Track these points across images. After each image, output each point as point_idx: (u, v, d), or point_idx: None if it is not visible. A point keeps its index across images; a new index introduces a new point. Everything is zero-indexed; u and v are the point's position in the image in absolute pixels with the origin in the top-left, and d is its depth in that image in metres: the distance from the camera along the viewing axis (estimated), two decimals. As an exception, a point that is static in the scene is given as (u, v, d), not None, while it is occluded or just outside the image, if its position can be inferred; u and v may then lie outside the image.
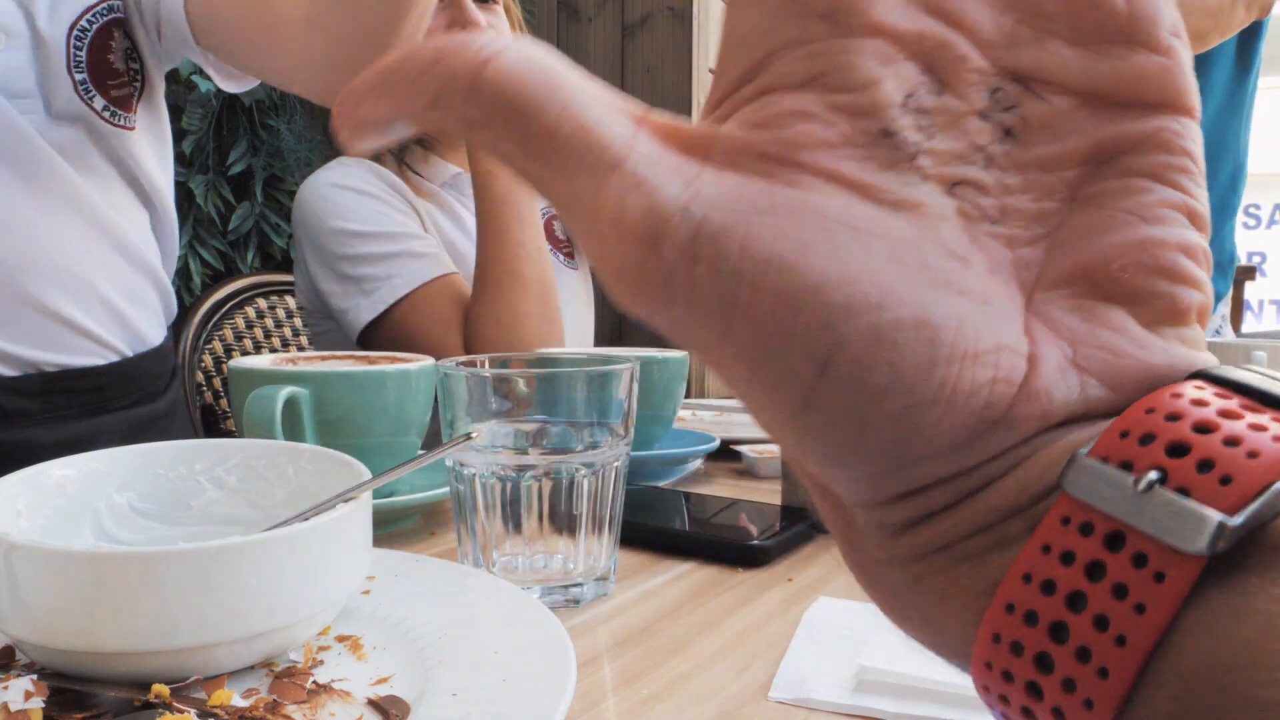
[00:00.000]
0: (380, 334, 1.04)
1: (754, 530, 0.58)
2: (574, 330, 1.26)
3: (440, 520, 0.65)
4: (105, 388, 0.81)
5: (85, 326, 0.79)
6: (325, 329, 1.12)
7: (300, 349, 1.47)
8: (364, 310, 1.03)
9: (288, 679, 0.35)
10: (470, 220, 1.18)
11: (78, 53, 0.78)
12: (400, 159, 1.15)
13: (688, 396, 1.23)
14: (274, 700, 0.33)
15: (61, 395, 0.78)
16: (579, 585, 0.47)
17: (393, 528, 0.62)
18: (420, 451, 0.66)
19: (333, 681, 0.35)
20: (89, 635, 0.32)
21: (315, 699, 0.34)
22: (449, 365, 0.47)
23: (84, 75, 0.78)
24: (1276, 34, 2.21)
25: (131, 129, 0.83)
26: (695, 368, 2.15)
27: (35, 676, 0.33)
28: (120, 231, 0.82)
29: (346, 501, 0.38)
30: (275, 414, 0.55)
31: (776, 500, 0.66)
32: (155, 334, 0.88)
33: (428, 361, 0.64)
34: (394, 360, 0.65)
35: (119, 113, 0.82)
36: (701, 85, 2.14)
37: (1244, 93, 1.38)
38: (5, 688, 0.33)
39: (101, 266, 0.80)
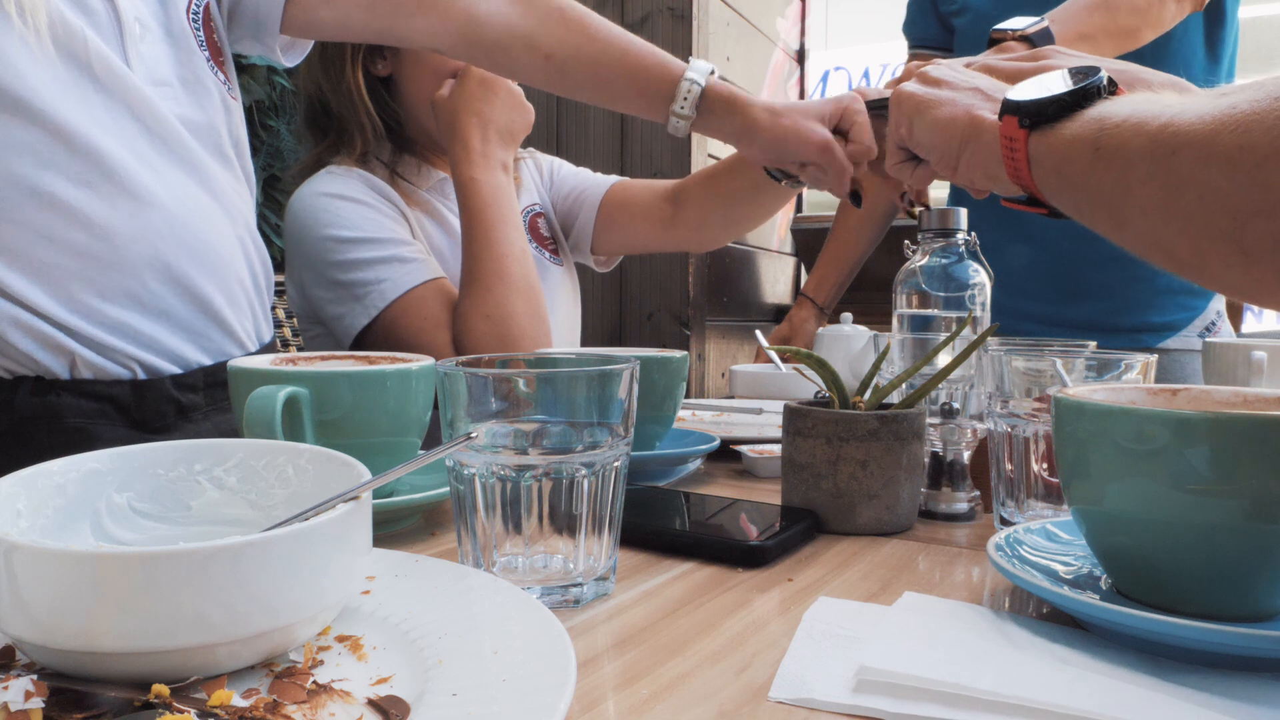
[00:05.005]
0: (371, 338, 1.05)
1: (754, 530, 0.58)
2: (562, 323, 1.26)
3: (440, 520, 0.65)
4: None
5: (226, 318, 0.81)
6: (316, 334, 1.12)
7: (300, 349, 1.46)
8: (358, 315, 1.04)
9: (288, 679, 0.35)
10: (456, 223, 1.18)
11: (198, 33, 0.81)
12: (392, 169, 1.15)
13: (688, 396, 1.23)
14: (274, 700, 0.33)
15: (219, 388, 0.81)
16: (579, 585, 0.47)
17: (393, 528, 0.62)
18: (420, 451, 0.66)
19: (333, 681, 0.35)
20: (89, 635, 0.32)
21: (315, 699, 0.34)
22: (449, 365, 0.47)
23: (207, 53, 0.82)
24: (1268, 31, 2.21)
25: (237, 100, 0.87)
26: (695, 367, 2.15)
27: (35, 676, 0.33)
28: (246, 220, 0.85)
29: (346, 501, 0.38)
30: (275, 414, 0.55)
31: (776, 500, 0.66)
32: (268, 326, 0.90)
33: (428, 361, 0.64)
34: (394, 360, 0.65)
35: (230, 85, 0.86)
36: (701, 85, 2.13)
37: (1215, 83, 1.37)
38: (5, 688, 0.33)
39: (238, 255, 0.83)
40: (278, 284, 1.48)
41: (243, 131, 0.88)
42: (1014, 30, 0.97)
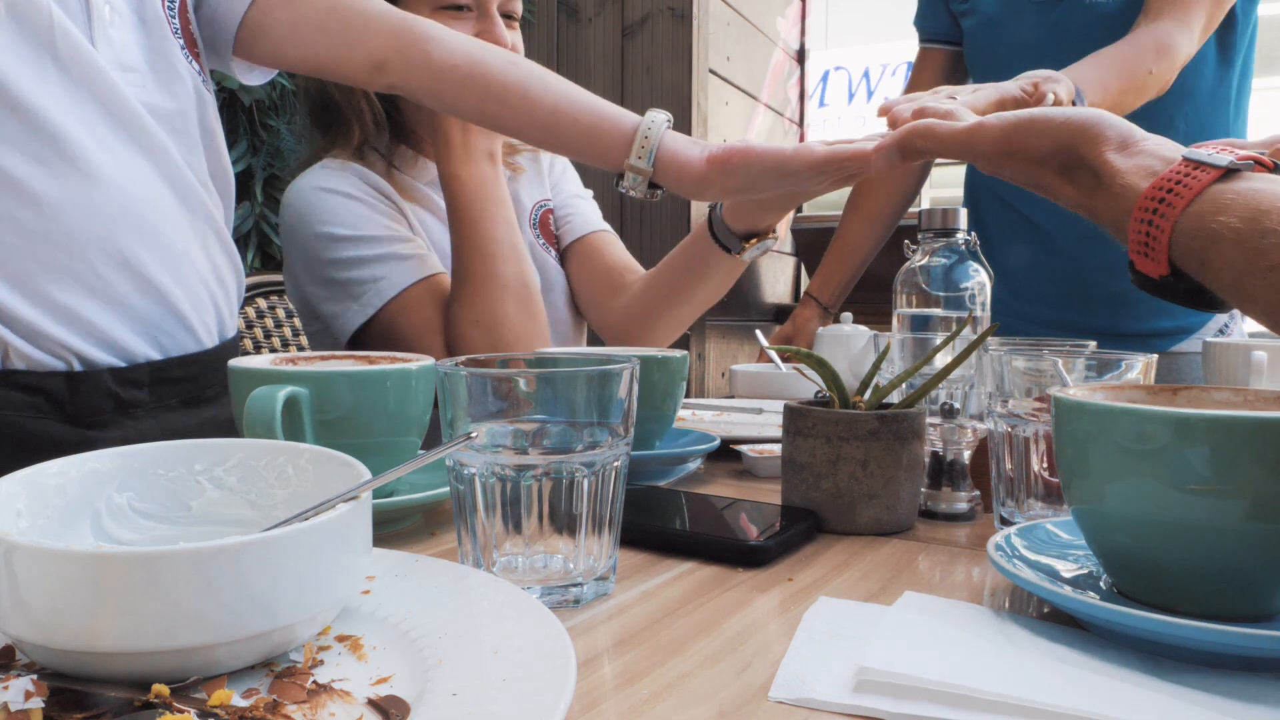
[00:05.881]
0: (368, 336, 1.04)
1: (754, 530, 0.58)
2: (562, 325, 1.24)
3: (440, 520, 0.65)
4: (199, 376, 0.81)
5: (182, 310, 0.79)
6: (316, 329, 1.11)
7: (300, 349, 1.46)
8: (354, 315, 1.03)
9: (288, 679, 0.35)
10: None
11: (173, 20, 0.80)
12: (389, 160, 1.14)
13: (688, 396, 1.24)
14: (274, 700, 0.33)
15: (166, 385, 0.79)
16: (579, 585, 0.47)
17: (393, 528, 0.62)
18: (420, 451, 0.66)
19: (333, 681, 0.35)
20: (89, 635, 0.32)
21: (315, 699, 0.34)
22: (449, 365, 0.47)
23: (182, 41, 0.81)
24: (1269, 31, 2.21)
25: (211, 94, 0.86)
26: (695, 367, 2.15)
27: (35, 676, 0.33)
28: (209, 212, 0.83)
29: (346, 501, 0.38)
30: (275, 414, 0.55)
31: (776, 500, 0.66)
32: (232, 323, 0.88)
33: (428, 361, 0.64)
34: (394, 360, 0.65)
35: (205, 77, 0.85)
36: (700, 85, 2.14)
37: (1227, 87, 1.34)
38: (5, 688, 0.33)
39: (197, 247, 0.81)
40: (279, 283, 1.48)
41: (217, 125, 0.86)
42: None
